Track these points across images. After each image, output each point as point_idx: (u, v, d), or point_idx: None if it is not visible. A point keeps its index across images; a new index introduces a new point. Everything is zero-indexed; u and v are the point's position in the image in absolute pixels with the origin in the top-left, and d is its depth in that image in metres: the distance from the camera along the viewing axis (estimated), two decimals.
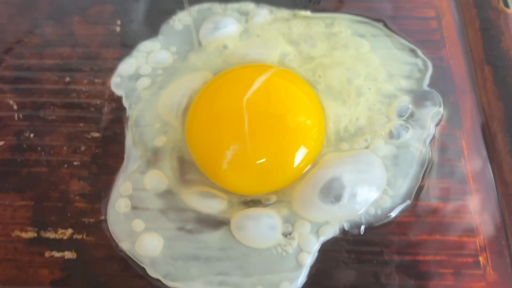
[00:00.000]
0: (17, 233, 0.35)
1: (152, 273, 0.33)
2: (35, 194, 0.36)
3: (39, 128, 0.38)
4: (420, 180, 0.35)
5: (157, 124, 0.37)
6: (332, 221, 0.34)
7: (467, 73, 0.40)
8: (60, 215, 0.35)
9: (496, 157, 0.36)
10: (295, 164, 0.34)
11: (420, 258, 0.33)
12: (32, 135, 0.38)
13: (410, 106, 0.37)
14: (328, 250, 0.33)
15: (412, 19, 0.42)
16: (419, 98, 0.38)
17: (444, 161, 0.36)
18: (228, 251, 0.33)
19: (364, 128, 0.37)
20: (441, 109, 0.38)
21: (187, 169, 0.36)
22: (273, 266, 0.32)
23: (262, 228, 0.33)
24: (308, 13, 0.42)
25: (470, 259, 0.33)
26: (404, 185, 0.35)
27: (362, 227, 0.34)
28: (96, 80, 0.40)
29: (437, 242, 0.33)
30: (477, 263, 0.33)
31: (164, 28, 0.42)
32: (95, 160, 0.37)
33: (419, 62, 0.40)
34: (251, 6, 0.43)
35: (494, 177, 0.36)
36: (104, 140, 0.38)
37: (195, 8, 0.43)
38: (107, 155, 0.37)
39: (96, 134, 0.38)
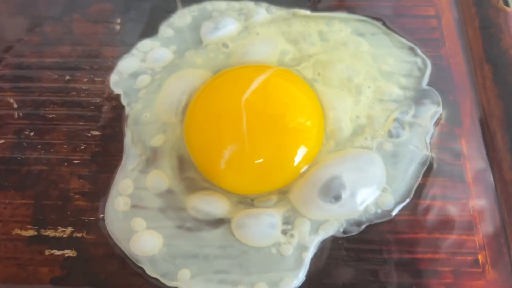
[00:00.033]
0: (17, 231, 0.35)
1: (150, 271, 0.33)
2: (35, 192, 0.36)
3: (39, 127, 0.38)
4: (419, 178, 0.35)
5: (157, 122, 0.37)
6: (331, 219, 0.34)
7: (466, 71, 0.40)
8: (60, 214, 0.35)
9: (496, 156, 0.36)
10: (293, 164, 0.34)
11: (419, 256, 0.33)
12: (32, 134, 0.38)
13: (410, 105, 0.37)
14: (327, 249, 0.33)
15: (411, 17, 0.42)
16: (419, 97, 0.38)
17: (443, 159, 0.36)
18: (228, 249, 0.33)
19: (363, 127, 0.37)
20: (440, 108, 0.38)
21: (186, 167, 0.36)
22: (272, 264, 0.33)
23: (262, 226, 0.33)
24: (307, 12, 0.42)
25: (469, 257, 0.33)
26: (403, 183, 0.35)
27: (362, 226, 0.34)
28: (96, 79, 0.40)
29: (436, 240, 0.33)
30: (476, 261, 0.33)
31: (164, 26, 0.42)
32: (95, 158, 0.37)
33: (419, 60, 0.40)
34: (251, 5, 0.43)
35: (493, 175, 0.36)
36: (104, 138, 0.38)
37: (195, 7, 0.43)
38: (107, 154, 0.37)
39: (96, 133, 0.38)
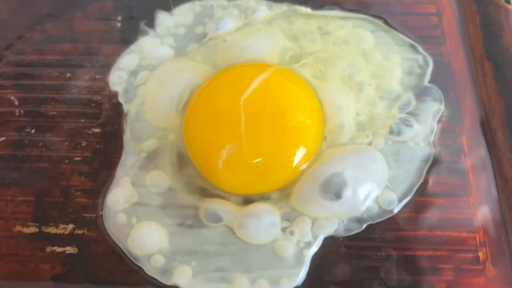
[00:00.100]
0: (18, 228, 0.35)
1: (149, 270, 0.33)
2: (36, 189, 0.36)
3: (40, 124, 0.38)
4: (422, 176, 0.35)
5: (156, 119, 0.37)
6: (332, 217, 0.34)
7: (467, 69, 0.40)
8: (61, 211, 0.35)
9: (496, 153, 0.36)
10: (292, 164, 0.34)
11: (420, 253, 0.33)
12: (33, 131, 0.38)
13: (411, 102, 0.37)
14: (328, 246, 0.33)
15: (412, 15, 0.42)
16: (420, 94, 0.38)
17: (444, 157, 0.36)
18: (229, 246, 0.33)
19: (365, 124, 0.37)
20: (442, 106, 0.38)
21: (186, 164, 0.36)
22: (273, 262, 0.33)
23: (263, 224, 0.33)
24: (308, 9, 0.42)
25: (469, 255, 0.33)
26: (405, 181, 0.35)
27: (363, 224, 0.34)
28: (96, 76, 0.40)
29: (437, 238, 0.34)
30: (476, 258, 0.33)
31: (164, 24, 0.42)
32: (96, 155, 0.37)
33: (420, 58, 0.40)
34: (251, 2, 0.43)
35: (494, 173, 0.36)
36: (105, 135, 0.38)
37: (197, 3, 0.43)
38: (108, 151, 0.37)
39: (97, 130, 0.38)
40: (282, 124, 0.34)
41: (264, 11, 0.42)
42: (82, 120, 0.38)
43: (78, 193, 0.36)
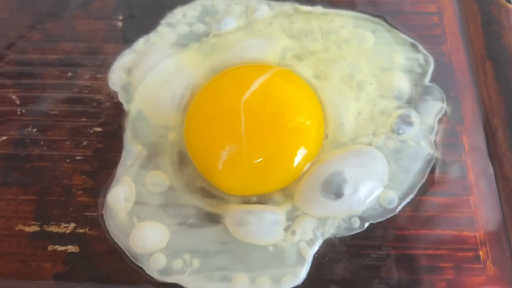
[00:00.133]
0: (20, 227, 0.35)
1: (150, 268, 0.33)
2: (38, 188, 0.36)
3: (41, 123, 0.39)
4: (423, 175, 0.35)
5: (157, 118, 0.37)
6: (334, 216, 0.34)
7: (468, 68, 0.40)
8: (63, 209, 0.35)
9: (497, 152, 0.36)
10: (292, 166, 0.34)
11: (421, 252, 0.33)
12: (34, 130, 0.38)
13: (411, 101, 0.37)
14: (329, 245, 0.33)
15: (413, 14, 0.42)
16: (421, 93, 0.38)
17: (445, 156, 0.36)
18: (230, 245, 0.33)
19: (365, 123, 0.37)
20: (444, 105, 0.38)
21: (187, 163, 0.36)
22: (274, 261, 0.33)
23: (265, 224, 0.33)
24: (309, 8, 0.42)
25: (470, 253, 0.33)
26: (406, 180, 0.35)
27: (364, 223, 0.34)
28: (98, 75, 0.40)
29: (438, 236, 0.34)
30: (477, 257, 0.33)
31: (166, 23, 0.42)
32: (97, 154, 0.37)
33: (420, 57, 0.40)
34: (253, 1, 0.43)
35: (495, 172, 0.36)
36: (106, 134, 0.38)
37: (198, 2, 0.43)
38: (109, 150, 0.37)
39: (98, 129, 0.38)
40: (282, 126, 0.34)
41: (265, 10, 0.42)
42: (83, 119, 0.39)
43: (80, 192, 0.36)
